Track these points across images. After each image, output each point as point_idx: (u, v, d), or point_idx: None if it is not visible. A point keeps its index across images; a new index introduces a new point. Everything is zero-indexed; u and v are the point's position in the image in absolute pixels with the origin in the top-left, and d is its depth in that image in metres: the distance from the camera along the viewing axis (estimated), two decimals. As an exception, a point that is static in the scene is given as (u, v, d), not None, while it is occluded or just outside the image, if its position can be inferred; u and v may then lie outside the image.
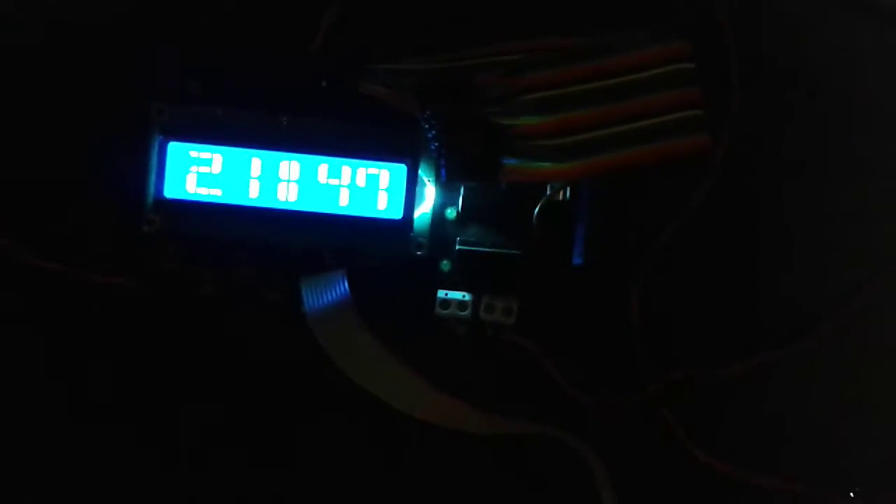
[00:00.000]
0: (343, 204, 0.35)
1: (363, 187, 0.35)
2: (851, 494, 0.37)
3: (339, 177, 0.35)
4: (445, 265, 0.36)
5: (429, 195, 0.35)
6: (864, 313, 0.38)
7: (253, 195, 0.35)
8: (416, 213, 0.35)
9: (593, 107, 0.33)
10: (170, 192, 0.35)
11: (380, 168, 0.35)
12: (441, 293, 0.36)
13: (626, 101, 0.33)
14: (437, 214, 0.36)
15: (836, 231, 0.38)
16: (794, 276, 0.38)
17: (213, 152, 0.35)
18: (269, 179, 0.35)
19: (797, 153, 0.38)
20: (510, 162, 0.33)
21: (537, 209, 0.35)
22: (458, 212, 0.36)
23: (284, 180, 0.35)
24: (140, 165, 0.35)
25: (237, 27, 0.37)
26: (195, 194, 0.35)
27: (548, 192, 0.35)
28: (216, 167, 0.35)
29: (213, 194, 0.35)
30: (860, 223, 0.38)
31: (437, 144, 0.33)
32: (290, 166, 0.35)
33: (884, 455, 0.38)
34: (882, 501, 0.38)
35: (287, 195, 0.35)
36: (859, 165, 0.38)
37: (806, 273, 0.38)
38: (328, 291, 0.34)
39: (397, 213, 0.35)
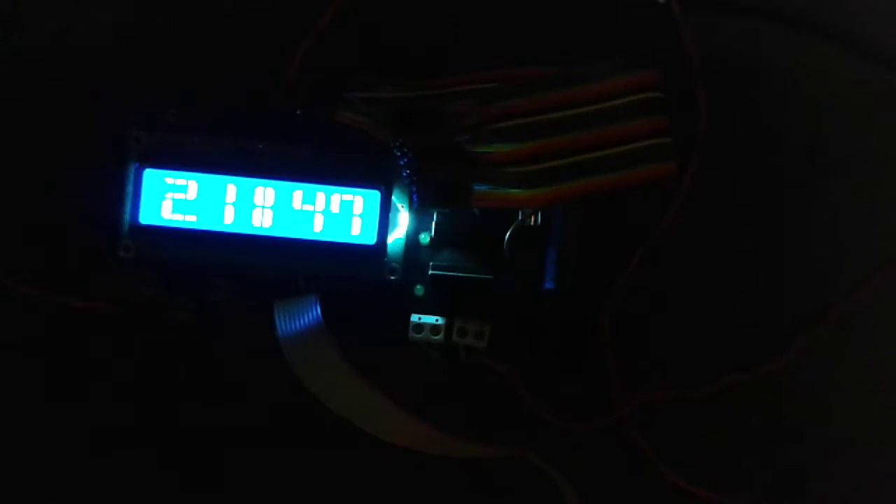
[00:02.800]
0: (317, 230, 0.35)
1: (337, 213, 0.35)
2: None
3: (313, 203, 0.35)
4: (419, 290, 0.36)
5: (402, 221, 0.36)
6: (833, 334, 0.38)
7: (228, 221, 0.35)
8: (390, 239, 0.36)
9: (564, 135, 0.34)
10: (145, 218, 0.35)
11: (354, 194, 0.35)
12: (414, 317, 0.36)
13: (596, 129, 0.34)
14: (411, 240, 0.36)
15: (804, 254, 0.39)
16: (764, 297, 0.38)
17: (188, 179, 0.35)
18: (244, 205, 0.35)
19: (763, 178, 0.38)
20: (482, 188, 0.34)
21: (508, 234, 0.36)
22: (431, 237, 0.36)
23: (259, 206, 0.35)
24: (116, 192, 0.35)
25: (213, 56, 0.37)
26: (170, 220, 0.35)
27: (519, 218, 0.36)
28: (191, 193, 0.35)
29: (188, 220, 0.35)
30: (828, 247, 0.39)
31: (409, 172, 0.33)
32: (264, 192, 0.35)
33: (854, 476, 0.38)
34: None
35: (262, 221, 0.35)
36: (828, 189, 0.39)
37: (775, 294, 0.38)
38: (300, 316, 0.34)
39: (371, 239, 0.35)
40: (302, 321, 0.34)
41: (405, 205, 0.36)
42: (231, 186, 0.35)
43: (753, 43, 0.39)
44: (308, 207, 0.35)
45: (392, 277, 0.36)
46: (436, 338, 0.36)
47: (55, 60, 0.37)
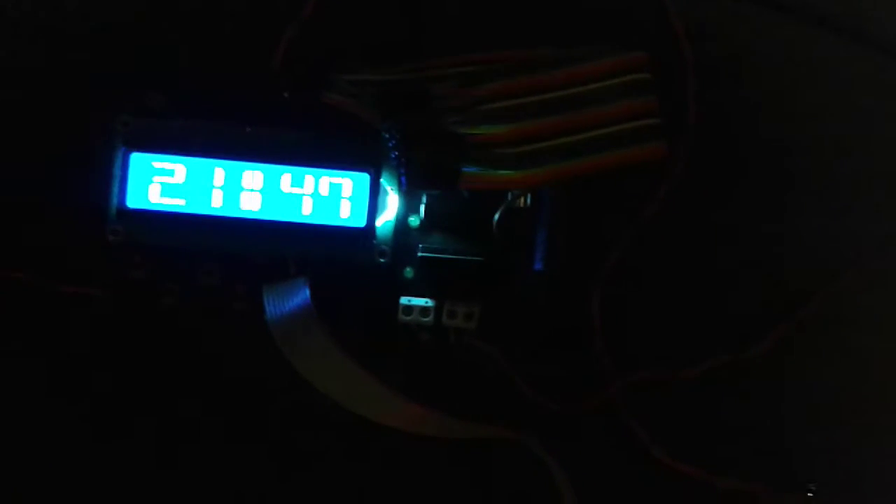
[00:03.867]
0: (306, 213, 0.35)
1: (326, 196, 0.35)
2: (810, 494, 0.38)
3: (302, 186, 0.35)
4: (408, 272, 0.36)
5: (391, 203, 0.36)
6: (821, 317, 0.38)
7: (216, 205, 0.35)
8: (379, 222, 0.36)
9: (552, 116, 0.34)
10: (133, 202, 0.35)
11: (343, 177, 0.35)
12: (404, 300, 0.36)
13: (585, 110, 0.34)
14: (400, 222, 0.36)
15: (791, 238, 0.39)
16: (751, 280, 0.39)
17: (175, 162, 0.35)
18: (233, 189, 0.35)
19: (753, 161, 0.39)
20: (470, 170, 0.34)
21: (498, 216, 0.36)
22: (420, 219, 0.36)
23: (248, 190, 0.35)
24: (103, 176, 0.35)
25: (200, 39, 0.37)
26: (158, 204, 0.35)
27: (508, 199, 0.36)
28: (179, 177, 0.35)
29: (176, 204, 0.35)
30: (816, 232, 0.39)
31: (397, 154, 0.33)
32: (253, 176, 0.35)
33: (839, 456, 0.39)
34: (839, 499, 0.38)
35: (250, 204, 0.35)
36: (815, 176, 0.39)
37: (763, 278, 0.39)
38: (289, 299, 0.34)
39: (360, 222, 0.35)
40: (291, 304, 0.34)
41: (394, 187, 0.36)
42: (219, 170, 0.35)
43: (743, 28, 0.39)
44: (297, 190, 0.35)
45: (381, 260, 0.36)
46: (425, 320, 0.36)
47: (41, 43, 0.37)
